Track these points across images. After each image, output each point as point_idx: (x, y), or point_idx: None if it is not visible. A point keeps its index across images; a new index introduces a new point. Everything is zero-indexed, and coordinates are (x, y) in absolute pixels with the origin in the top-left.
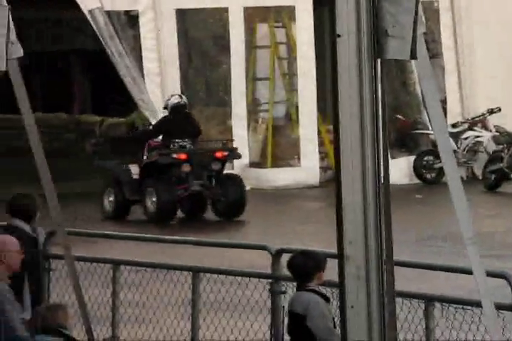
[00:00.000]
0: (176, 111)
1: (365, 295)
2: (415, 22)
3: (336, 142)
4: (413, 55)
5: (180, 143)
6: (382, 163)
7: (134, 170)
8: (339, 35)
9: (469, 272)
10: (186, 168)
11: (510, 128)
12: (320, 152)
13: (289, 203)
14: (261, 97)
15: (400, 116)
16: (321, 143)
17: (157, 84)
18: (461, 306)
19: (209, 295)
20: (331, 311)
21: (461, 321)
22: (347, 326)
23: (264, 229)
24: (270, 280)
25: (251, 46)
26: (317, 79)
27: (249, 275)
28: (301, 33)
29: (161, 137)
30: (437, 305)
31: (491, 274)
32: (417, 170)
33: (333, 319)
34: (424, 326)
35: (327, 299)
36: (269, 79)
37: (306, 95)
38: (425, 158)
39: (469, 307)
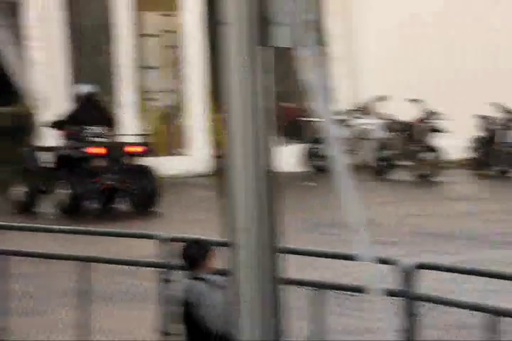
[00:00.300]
0: (87, 100)
1: (256, 283)
2: (302, 9)
3: (228, 131)
4: (300, 43)
5: (95, 131)
6: (271, 151)
7: (45, 157)
8: (225, 23)
9: (359, 259)
10: (99, 162)
11: (397, 115)
12: (214, 141)
13: (180, 192)
14: (149, 86)
15: (288, 104)
16: (216, 132)
17: (44, 73)
18: (351, 293)
19: (99, 284)
20: (223, 299)
21: (351, 308)
22: (238, 314)
23: (152, 217)
24: (161, 269)
25: (139, 34)
26: (211, 68)
27: (140, 264)
28: (189, 21)
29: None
30: (329, 292)
31: (379, 260)
32: (307, 157)
33: (225, 307)
34: (316, 313)
35: (219, 287)
36: (157, 68)
37: (195, 84)
38: (314, 146)
39: (359, 294)
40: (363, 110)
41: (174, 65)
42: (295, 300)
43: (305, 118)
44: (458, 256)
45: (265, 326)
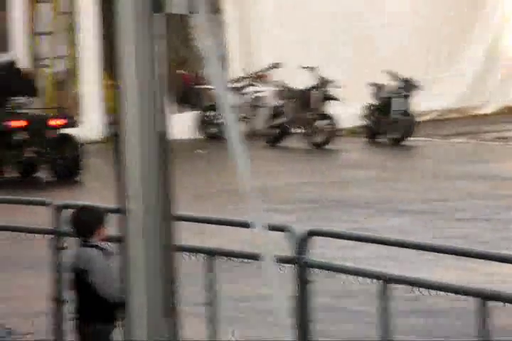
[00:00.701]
0: (6, 69)
1: (146, 250)
2: None
3: (117, 97)
4: (193, 9)
5: (17, 102)
6: (164, 118)
7: None
8: None
9: (250, 226)
10: (21, 135)
11: (291, 83)
12: (108, 107)
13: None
14: (42, 52)
15: (182, 71)
16: (108, 99)
17: None
18: (241, 259)
19: None
20: (114, 266)
21: (242, 274)
22: (128, 280)
23: (74, 186)
24: (52, 236)
25: (32, 0)
26: (105, 34)
27: (31, 231)
28: None
29: None
30: (218, 258)
31: (272, 227)
32: (200, 125)
33: (116, 274)
34: (205, 280)
35: (109, 254)
36: (50, 34)
37: (89, 50)
38: (208, 113)
39: (250, 261)
40: (257, 77)
41: (68, 31)
42: (188, 266)
43: (200, 86)
44: (351, 224)
45: (156, 293)
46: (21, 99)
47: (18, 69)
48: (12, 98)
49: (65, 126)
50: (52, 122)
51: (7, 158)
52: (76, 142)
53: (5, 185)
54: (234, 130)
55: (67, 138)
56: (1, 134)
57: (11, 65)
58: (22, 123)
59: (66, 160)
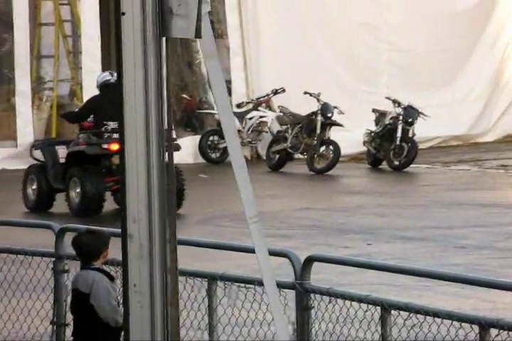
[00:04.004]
0: (107, 90)
1: (147, 274)
2: (200, 1)
3: (121, 122)
4: (198, 34)
5: (112, 127)
6: (166, 143)
7: (62, 152)
8: (123, 13)
9: (252, 251)
10: (117, 159)
11: (294, 108)
12: None
13: None
14: (45, 75)
15: (185, 96)
16: None
17: None
18: (243, 285)
19: None
20: (115, 289)
21: (243, 300)
22: (129, 305)
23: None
24: (53, 259)
25: (35, 23)
26: (103, 58)
27: (32, 253)
28: (85, 10)
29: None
30: (220, 283)
31: (273, 253)
32: (202, 149)
33: (117, 298)
34: (207, 304)
35: (111, 278)
36: (53, 57)
37: (91, 74)
38: (210, 138)
39: (252, 286)
40: (260, 103)
41: (70, 54)
42: (189, 291)
43: (202, 111)
44: (350, 250)
45: (155, 316)
46: (115, 124)
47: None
48: (109, 122)
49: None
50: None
51: (102, 184)
52: (180, 171)
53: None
54: (237, 155)
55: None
56: (96, 157)
57: (112, 86)
58: (118, 146)
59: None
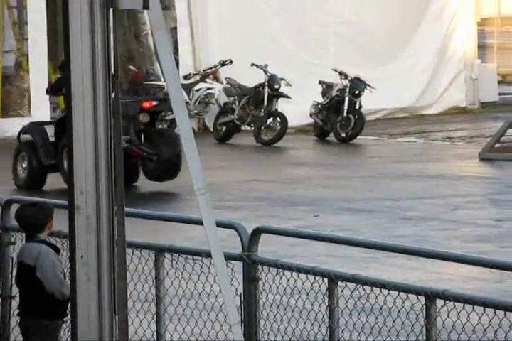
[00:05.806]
0: None
1: (95, 246)
2: None
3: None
4: (145, 6)
5: None
6: (112, 115)
7: (51, 131)
8: None
9: (200, 223)
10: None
11: (241, 80)
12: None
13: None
14: None
15: (132, 67)
16: None
17: None
18: (190, 256)
19: None
20: (61, 262)
21: (190, 271)
22: (76, 276)
23: None
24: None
25: None
26: (49, 29)
27: None
28: None
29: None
30: (167, 255)
31: (220, 225)
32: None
33: (63, 270)
34: (154, 276)
35: (57, 250)
36: None
37: (37, 45)
38: None
39: (199, 258)
40: (208, 74)
41: (15, 25)
42: (137, 263)
43: (149, 82)
44: (298, 222)
45: (102, 288)
46: None
47: None
48: None
49: (156, 107)
50: (146, 104)
51: None
52: (176, 139)
53: None
54: (185, 126)
55: (165, 133)
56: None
57: None
58: None
59: (162, 159)
